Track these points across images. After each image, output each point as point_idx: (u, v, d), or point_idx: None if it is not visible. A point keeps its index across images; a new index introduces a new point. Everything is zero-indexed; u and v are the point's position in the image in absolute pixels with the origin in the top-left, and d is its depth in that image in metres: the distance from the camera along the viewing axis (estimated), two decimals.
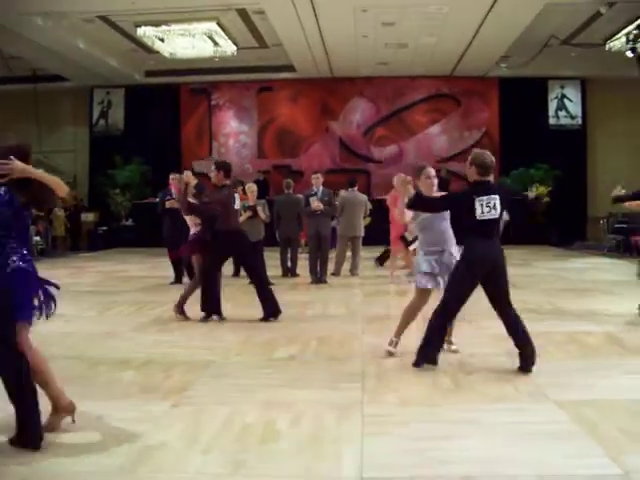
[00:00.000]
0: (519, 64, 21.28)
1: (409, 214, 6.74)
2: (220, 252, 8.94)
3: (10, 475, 3.83)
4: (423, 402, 5.11)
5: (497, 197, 5.94)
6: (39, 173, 4.35)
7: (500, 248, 6.10)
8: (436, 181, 6.71)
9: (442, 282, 6.48)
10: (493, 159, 6.09)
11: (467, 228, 6.09)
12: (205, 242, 8.94)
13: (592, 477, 3.77)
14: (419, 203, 6.22)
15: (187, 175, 8.79)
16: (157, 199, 13.63)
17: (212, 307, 8.80)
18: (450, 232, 6.64)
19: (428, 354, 6.06)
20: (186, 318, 8.82)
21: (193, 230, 9.20)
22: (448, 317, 6.19)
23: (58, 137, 24.98)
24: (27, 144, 4.66)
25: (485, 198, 5.91)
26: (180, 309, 8.87)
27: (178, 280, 12.35)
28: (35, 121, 24.36)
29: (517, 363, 6.01)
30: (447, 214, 6.46)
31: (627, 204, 9.01)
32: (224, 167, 9.04)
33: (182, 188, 9.00)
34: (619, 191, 8.90)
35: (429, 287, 6.57)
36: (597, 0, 16.06)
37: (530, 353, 5.94)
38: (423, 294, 6.64)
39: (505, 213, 6.74)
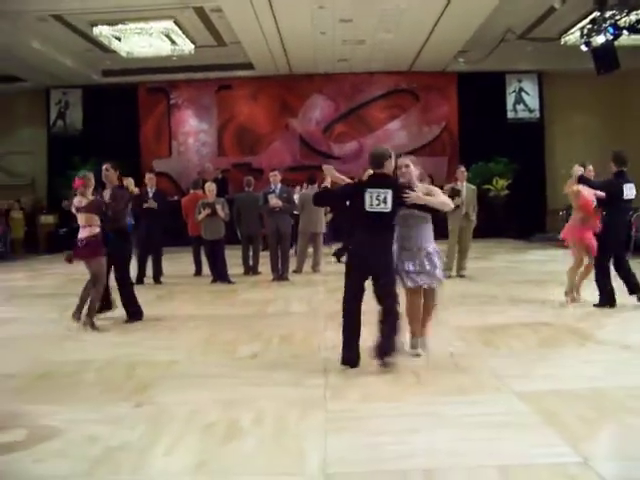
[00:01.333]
0: (477, 59, 21.44)
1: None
2: (129, 250, 9.03)
3: None
4: (385, 397, 5.13)
5: (389, 191, 5.90)
6: None
7: (385, 244, 6.04)
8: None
9: (424, 278, 6.25)
10: (384, 152, 6.09)
11: (355, 220, 6.10)
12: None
13: (552, 465, 3.81)
14: (320, 199, 6.69)
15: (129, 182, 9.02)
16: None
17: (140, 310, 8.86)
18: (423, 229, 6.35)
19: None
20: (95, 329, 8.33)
21: (89, 231, 8.29)
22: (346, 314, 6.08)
23: (15, 139, 24.61)
24: None
25: (375, 191, 5.90)
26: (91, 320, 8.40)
27: (139, 281, 12.24)
28: None
29: (476, 353, 6.08)
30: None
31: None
32: (119, 168, 9.03)
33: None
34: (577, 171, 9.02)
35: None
36: None
37: (380, 346, 5.89)
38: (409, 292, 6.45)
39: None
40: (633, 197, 8.73)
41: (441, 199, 6.17)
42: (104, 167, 8.92)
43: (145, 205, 12.44)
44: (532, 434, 4.28)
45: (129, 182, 9.05)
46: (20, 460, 4.05)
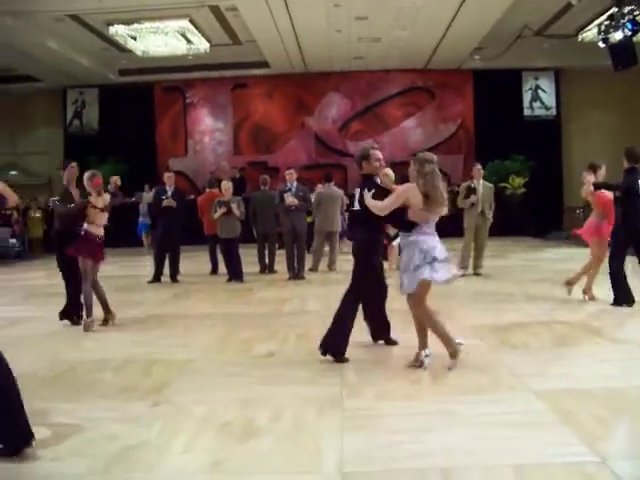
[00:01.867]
0: (493, 56, 21.36)
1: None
2: None
3: None
4: (401, 396, 5.12)
5: (358, 190, 6.29)
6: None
7: (357, 237, 6.52)
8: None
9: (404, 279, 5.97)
10: (360, 154, 6.43)
11: None
12: None
13: (569, 465, 3.79)
14: None
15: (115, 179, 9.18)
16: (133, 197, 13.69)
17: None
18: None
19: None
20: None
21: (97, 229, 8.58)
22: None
23: (31, 139, 24.80)
24: None
25: (356, 191, 6.41)
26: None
27: (157, 279, 12.29)
28: (8, 123, 24.19)
29: (492, 351, 6.06)
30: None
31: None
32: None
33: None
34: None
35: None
36: None
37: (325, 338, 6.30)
38: None
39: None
40: None
41: (375, 202, 5.94)
42: (70, 165, 8.76)
43: (164, 204, 12.47)
44: (548, 433, 4.25)
45: (116, 179, 9.09)
46: (38, 458, 4.07)
